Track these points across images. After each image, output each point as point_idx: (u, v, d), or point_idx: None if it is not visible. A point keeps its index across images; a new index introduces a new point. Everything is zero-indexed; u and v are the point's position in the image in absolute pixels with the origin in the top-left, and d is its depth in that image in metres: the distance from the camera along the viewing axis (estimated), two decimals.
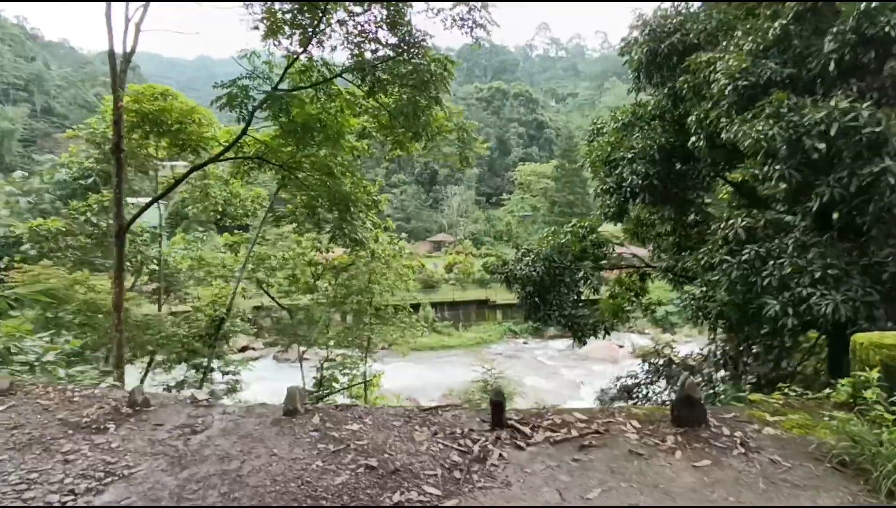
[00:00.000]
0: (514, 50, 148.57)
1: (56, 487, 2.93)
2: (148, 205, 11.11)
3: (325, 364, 16.40)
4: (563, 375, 28.29)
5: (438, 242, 55.00)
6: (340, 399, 15.42)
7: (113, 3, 10.98)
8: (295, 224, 15.56)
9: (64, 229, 14.62)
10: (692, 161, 8.60)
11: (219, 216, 22.18)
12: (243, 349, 31.22)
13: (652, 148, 8.28)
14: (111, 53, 11.17)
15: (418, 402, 23.08)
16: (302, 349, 25.65)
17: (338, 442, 3.32)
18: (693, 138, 7.02)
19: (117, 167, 11.10)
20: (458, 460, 3.00)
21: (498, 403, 3.42)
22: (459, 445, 3.19)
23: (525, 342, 33.86)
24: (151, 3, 10.80)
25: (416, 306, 23.45)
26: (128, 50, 11.24)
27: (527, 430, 3.28)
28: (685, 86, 7.18)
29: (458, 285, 38.36)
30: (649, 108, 9.38)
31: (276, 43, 10.18)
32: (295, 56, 10.02)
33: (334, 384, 16.23)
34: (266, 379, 19.45)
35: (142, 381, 13.30)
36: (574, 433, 3.24)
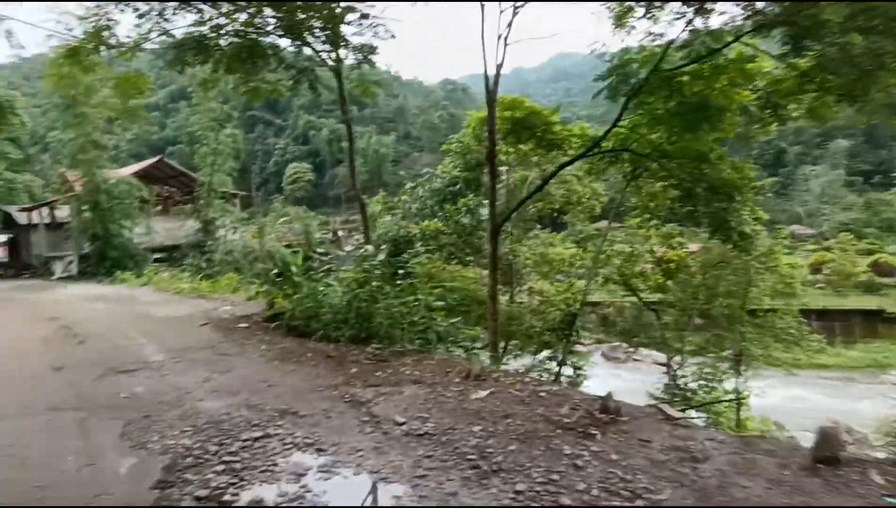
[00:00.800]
0: None
1: (582, 498, 2.83)
2: (521, 203, 12.10)
3: (678, 372, 15.02)
4: None
5: (792, 235, 45.37)
6: (694, 415, 13.83)
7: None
8: (645, 218, 14.69)
9: (442, 229, 17.33)
10: None
11: (555, 214, 23.25)
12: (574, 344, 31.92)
13: None
14: (486, 73, 12.38)
15: (785, 428, 19.15)
16: (635, 349, 24.44)
17: None
18: None
19: (491, 173, 12.36)
20: None
21: None
22: None
23: None
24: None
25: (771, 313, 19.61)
26: (499, 61, 12.23)
27: None
28: None
29: (829, 289, 30.71)
30: None
31: (629, 30, 9.53)
32: (658, 38, 9.15)
33: (689, 395, 14.68)
34: (599, 376, 19.16)
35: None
36: None
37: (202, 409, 4.58)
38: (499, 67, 12.23)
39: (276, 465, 3.54)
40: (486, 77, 12.31)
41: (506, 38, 11.84)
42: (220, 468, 3.52)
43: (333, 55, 12.15)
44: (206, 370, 5.91)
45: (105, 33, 10.65)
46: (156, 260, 21.48)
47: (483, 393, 4.34)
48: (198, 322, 8.71)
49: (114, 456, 3.70)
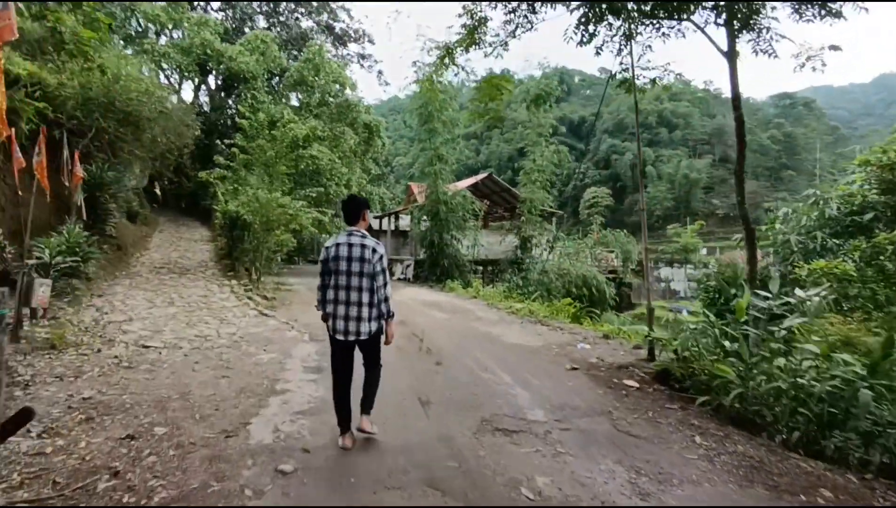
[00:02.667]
0: None
1: None
2: None
3: None
4: None
5: None
6: None
7: None
8: None
9: (849, 273, 12.19)
10: None
11: None
12: None
13: None
14: None
15: None
16: None
17: None
18: None
19: None
20: None
21: None
22: None
23: None
24: None
25: None
26: None
27: None
28: None
29: None
30: None
31: None
32: None
33: None
34: None
35: None
36: None
37: None
38: None
39: None
40: None
41: None
42: None
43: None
44: (619, 461, 3.72)
45: (480, 29, 10.12)
46: (473, 272, 21.93)
47: None
48: (559, 361, 6.84)
49: None
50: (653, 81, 9.51)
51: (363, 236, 3.80)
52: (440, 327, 9.64)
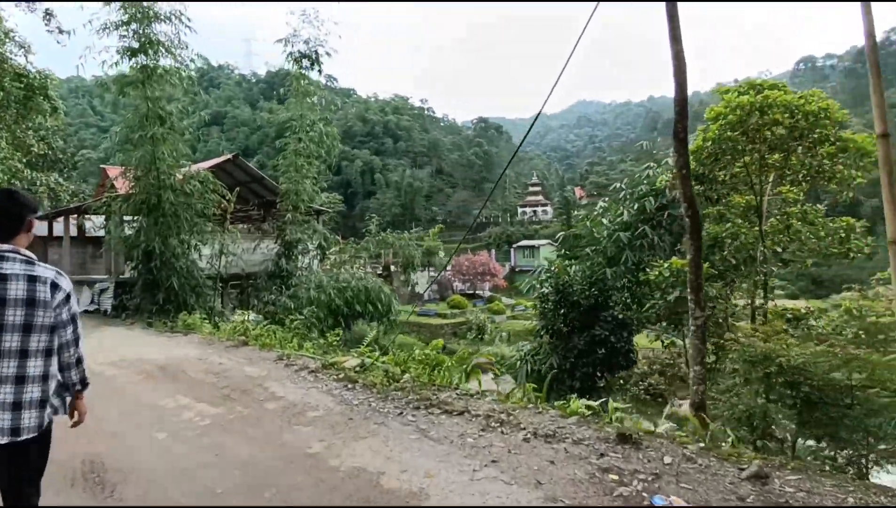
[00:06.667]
0: None
1: None
2: None
3: None
4: None
5: None
6: None
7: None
8: None
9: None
10: None
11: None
12: None
13: None
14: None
15: None
16: None
17: None
18: None
19: None
20: None
21: None
22: None
23: None
24: None
25: None
26: None
27: None
28: None
29: None
30: None
31: None
32: None
33: None
34: None
35: None
36: None
37: None
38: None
39: None
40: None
41: None
42: None
43: None
44: None
45: None
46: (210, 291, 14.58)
47: None
48: None
49: None
50: None
51: (28, 263, 1.99)
52: (229, 496, 3.47)
